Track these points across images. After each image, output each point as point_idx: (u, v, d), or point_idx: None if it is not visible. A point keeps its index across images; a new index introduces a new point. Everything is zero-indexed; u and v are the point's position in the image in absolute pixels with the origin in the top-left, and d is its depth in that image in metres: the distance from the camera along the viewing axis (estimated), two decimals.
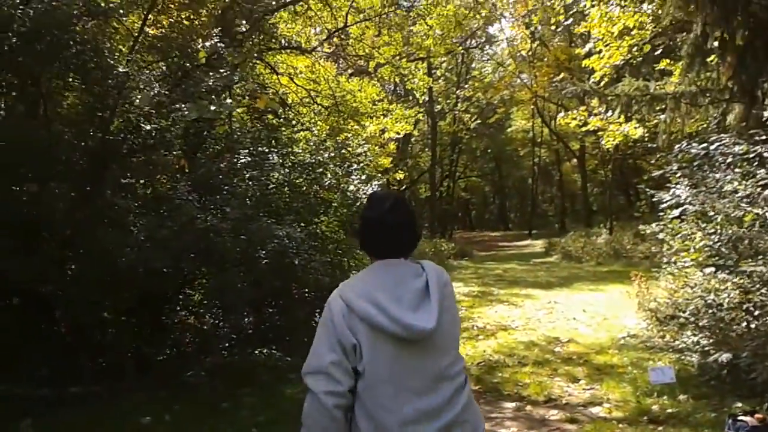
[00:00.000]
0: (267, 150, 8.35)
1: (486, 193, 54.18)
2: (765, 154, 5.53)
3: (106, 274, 5.97)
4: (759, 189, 5.73)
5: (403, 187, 31.71)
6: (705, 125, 10.27)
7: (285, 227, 7.00)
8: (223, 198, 7.07)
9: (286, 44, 10.92)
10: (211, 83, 6.75)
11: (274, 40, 10.32)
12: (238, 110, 9.32)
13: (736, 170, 5.99)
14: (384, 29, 13.17)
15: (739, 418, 4.42)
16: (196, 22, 8.20)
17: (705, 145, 6.27)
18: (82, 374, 6.07)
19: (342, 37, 13.84)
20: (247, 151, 8.01)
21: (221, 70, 7.04)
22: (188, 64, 7.42)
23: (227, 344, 7.07)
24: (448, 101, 36.43)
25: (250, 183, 7.46)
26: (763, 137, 5.67)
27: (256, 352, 6.94)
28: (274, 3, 10.08)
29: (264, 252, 6.84)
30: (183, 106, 6.44)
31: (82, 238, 6.20)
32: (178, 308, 7.51)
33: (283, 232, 6.85)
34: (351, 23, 12.39)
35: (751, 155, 5.66)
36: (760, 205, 5.49)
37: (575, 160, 35.68)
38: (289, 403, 5.68)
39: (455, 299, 2.23)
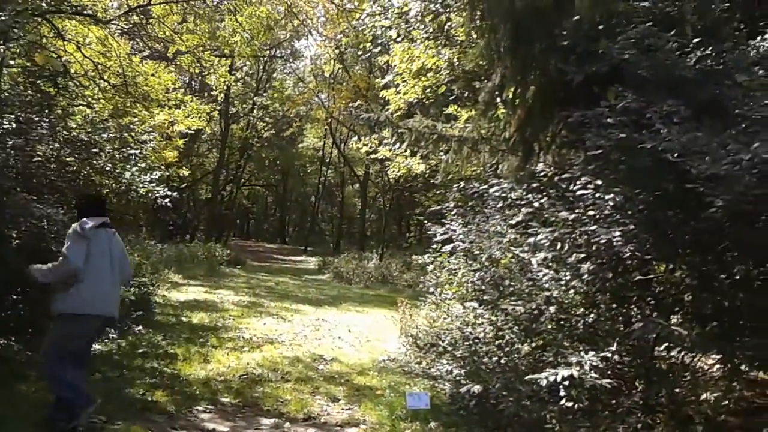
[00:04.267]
0: (37, 119, 7.41)
1: (268, 204, 53.94)
2: (535, 204, 6.08)
3: None
4: (524, 236, 6.29)
5: (184, 185, 30.31)
6: (480, 170, 11.19)
7: (46, 207, 6.20)
8: None
9: (79, 9, 9.85)
10: None
11: (65, 2, 9.26)
12: (11, 69, 8.19)
13: (506, 213, 6.53)
14: (190, 17, 12.52)
15: None
16: None
17: (485, 186, 6.74)
18: None
19: (142, 15, 12.91)
20: (13, 116, 7.02)
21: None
22: None
23: None
24: (245, 105, 35.77)
25: (12, 152, 6.52)
26: (536, 185, 6.23)
27: None
28: None
29: (16, 232, 6.01)
30: None
31: None
32: None
33: (43, 212, 6.06)
34: (155, 2, 11.58)
35: (523, 202, 6.19)
36: (523, 249, 6.00)
37: (358, 185, 36.99)
38: (22, 400, 5.00)
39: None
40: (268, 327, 10.34)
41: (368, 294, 17.57)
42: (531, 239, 6.01)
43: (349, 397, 6.59)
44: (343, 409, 6.18)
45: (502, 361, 5.80)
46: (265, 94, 35.37)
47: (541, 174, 6.40)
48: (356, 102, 22.08)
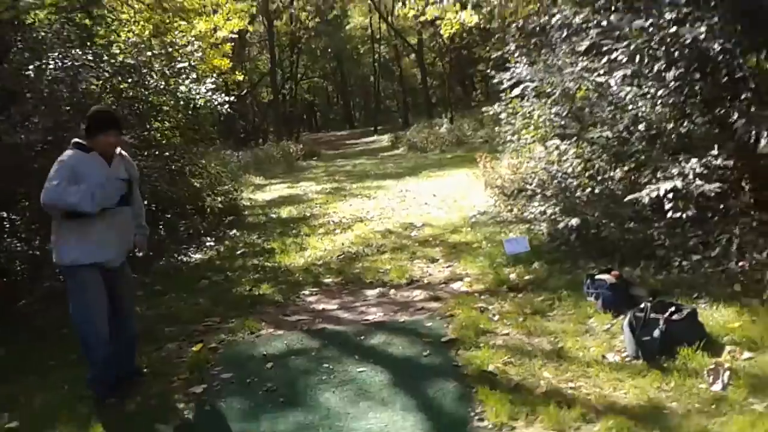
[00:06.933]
0: (81, 53, 7.34)
1: (329, 93, 53.46)
2: (603, 22, 5.60)
3: None
4: (596, 60, 5.85)
5: (244, 91, 30.34)
6: (536, 5, 10.46)
7: None
8: (31, 107, 6.14)
9: None
10: None
11: None
12: (42, 11, 8.07)
13: (573, 40, 6.07)
14: None
15: (597, 277, 4.64)
16: None
17: (545, 18, 6.27)
18: None
19: None
20: (56, 53, 6.98)
21: None
22: None
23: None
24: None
25: (63, 90, 6.52)
26: (602, 2, 5.72)
27: None
28: None
29: None
30: None
31: None
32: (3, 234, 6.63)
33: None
34: None
35: (591, 24, 5.71)
36: (598, 73, 5.60)
37: (414, 54, 35.86)
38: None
39: None
40: (354, 207, 10.45)
41: (445, 158, 17.40)
42: (604, 60, 5.59)
43: (446, 255, 6.61)
44: (443, 267, 6.21)
45: (596, 191, 5.60)
46: None
47: None
48: None
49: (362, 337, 4.56)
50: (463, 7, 14.57)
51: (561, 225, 5.66)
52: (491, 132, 16.56)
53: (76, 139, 3.85)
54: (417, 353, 4.16)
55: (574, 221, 5.45)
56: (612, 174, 5.74)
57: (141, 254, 4.25)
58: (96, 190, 3.61)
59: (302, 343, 4.58)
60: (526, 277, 5.36)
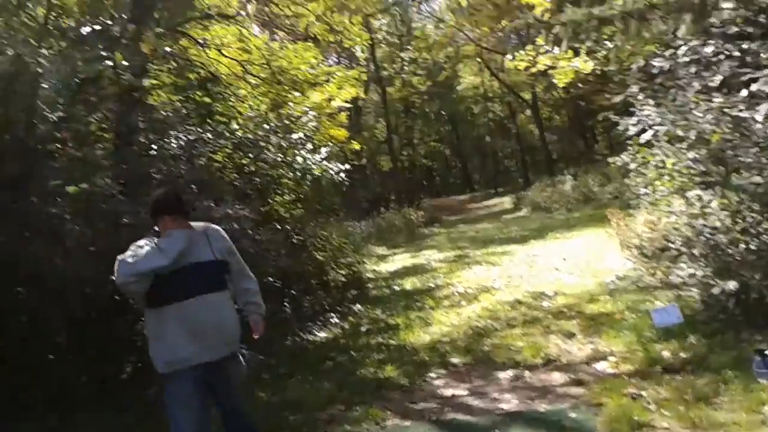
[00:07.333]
0: (201, 130, 7.58)
1: (447, 157, 53.72)
2: (735, 52, 5.01)
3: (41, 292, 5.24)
4: (732, 95, 5.22)
5: (363, 159, 31.04)
6: (655, 45, 9.87)
7: (229, 207, 6.30)
8: (153, 188, 6.33)
9: (205, 13, 10.02)
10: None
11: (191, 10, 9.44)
12: (163, 90, 8.48)
13: (704, 75, 5.45)
14: None
15: None
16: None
17: (671, 52, 5.72)
18: (32, 406, 5.34)
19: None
20: (174, 132, 7.23)
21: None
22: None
23: None
24: (394, 65, 35.70)
25: (181, 167, 6.71)
26: (733, 30, 5.14)
27: None
28: None
29: None
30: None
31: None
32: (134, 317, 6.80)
33: (229, 212, 6.16)
34: None
35: (723, 54, 5.12)
36: (739, 108, 4.95)
37: (529, 110, 35.35)
38: (261, 409, 5.10)
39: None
40: (479, 276, 10.02)
41: (572, 217, 16.62)
42: (744, 93, 4.95)
43: (585, 329, 6.03)
44: (583, 344, 5.64)
45: (752, 246, 4.87)
46: (410, 47, 34.93)
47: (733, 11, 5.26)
48: (500, 22, 20.85)
49: (497, 431, 4.10)
50: (576, 54, 14.11)
51: (716, 290, 4.96)
52: (620, 186, 15.65)
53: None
54: None
55: (732, 285, 4.75)
56: (766, 225, 5.01)
57: (257, 336, 3.65)
58: (160, 243, 3.25)
59: None
60: (682, 355, 4.69)
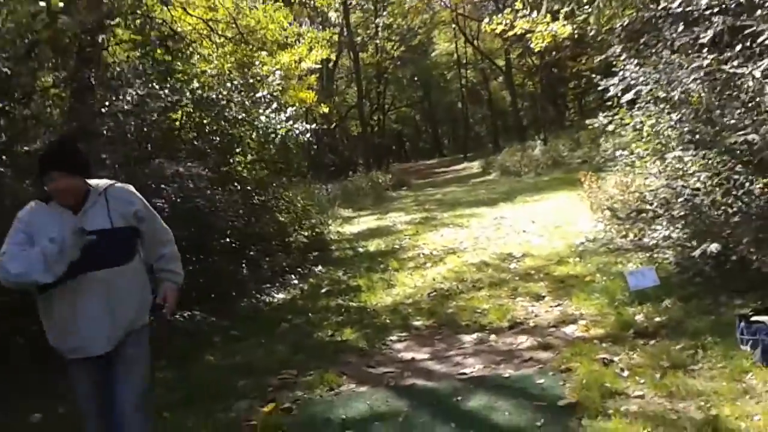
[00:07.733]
0: (157, 87, 7.14)
1: (417, 122, 53.23)
2: (732, 5, 4.68)
3: None
4: (726, 52, 4.91)
5: (333, 124, 30.45)
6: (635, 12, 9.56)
7: (182, 165, 5.88)
8: (101, 145, 5.87)
9: None
10: None
11: None
12: (121, 46, 7.99)
13: (695, 30, 5.13)
14: None
15: (754, 319, 3.67)
16: None
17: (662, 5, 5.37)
18: None
19: None
20: (132, 90, 6.77)
21: None
22: None
23: None
24: (368, 31, 34.94)
25: (131, 123, 6.27)
26: None
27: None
28: None
29: (162, 200, 5.74)
30: None
31: None
32: None
33: (181, 170, 5.74)
34: None
35: (717, 6, 4.79)
36: (732, 65, 4.65)
37: (502, 77, 35.02)
38: (208, 374, 4.74)
39: None
40: (446, 238, 9.71)
41: (542, 181, 16.40)
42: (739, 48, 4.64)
43: (554, 292, 5.76)
44: (551, 306, 5.37)
45: (735, 209, 4.60)
46: (385, 13, 34.17)
47: None
48: None
49: (459, 398, 3.79)
50: (554, 19, 13.75)
51: (696, 252, 4.67)
52: (590, 151, 15.46)
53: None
54: (528, 422, 3.34)
55: (714, 247, 4.46)
56: (750, 187, 4.73)
57: (166, 312, 3.03)
58: (48, 249, 2.62)
59: (387, 405, 3.86)
60: (657, 319, 4.43)
